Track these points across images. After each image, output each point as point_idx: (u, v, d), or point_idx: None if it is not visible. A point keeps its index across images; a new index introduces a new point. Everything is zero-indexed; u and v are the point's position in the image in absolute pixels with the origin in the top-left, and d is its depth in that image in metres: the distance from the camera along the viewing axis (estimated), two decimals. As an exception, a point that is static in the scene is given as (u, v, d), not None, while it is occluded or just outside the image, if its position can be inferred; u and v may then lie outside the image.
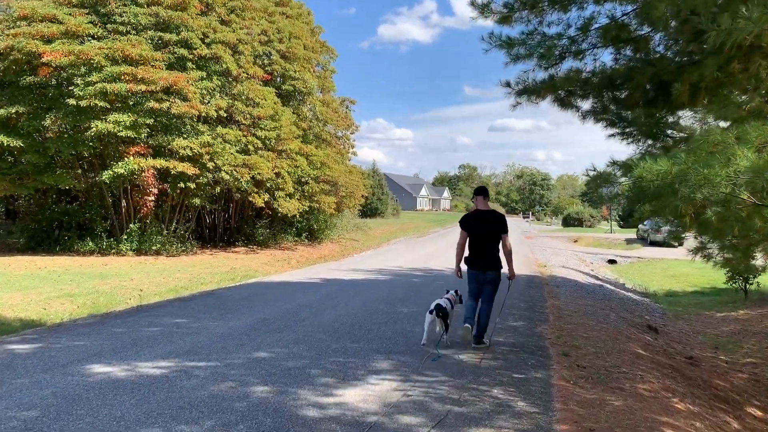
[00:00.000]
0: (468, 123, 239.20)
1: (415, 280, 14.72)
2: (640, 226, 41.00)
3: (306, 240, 28.26)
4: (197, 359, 6.54)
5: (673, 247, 35.38)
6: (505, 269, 7.72)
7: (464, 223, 7.75)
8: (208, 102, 20.05)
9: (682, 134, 10.51)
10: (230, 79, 21.23)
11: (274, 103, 22.37)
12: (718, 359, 10.83)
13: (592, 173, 7.50)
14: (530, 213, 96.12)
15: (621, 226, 70.39)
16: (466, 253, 7.69)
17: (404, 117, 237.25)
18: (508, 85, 8.55)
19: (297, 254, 23.80)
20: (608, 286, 18.95)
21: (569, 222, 72.76)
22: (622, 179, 6.91)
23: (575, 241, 40.57)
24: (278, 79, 25.28)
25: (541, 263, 21.79)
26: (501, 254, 7.66)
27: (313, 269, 17.51)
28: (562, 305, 11.82)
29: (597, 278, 21.27)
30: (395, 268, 17.35)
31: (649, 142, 10.72)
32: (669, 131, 10.43)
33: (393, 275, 15.61)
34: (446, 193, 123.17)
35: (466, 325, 7.35)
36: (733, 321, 15.28)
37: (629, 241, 38.97)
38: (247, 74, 21.55)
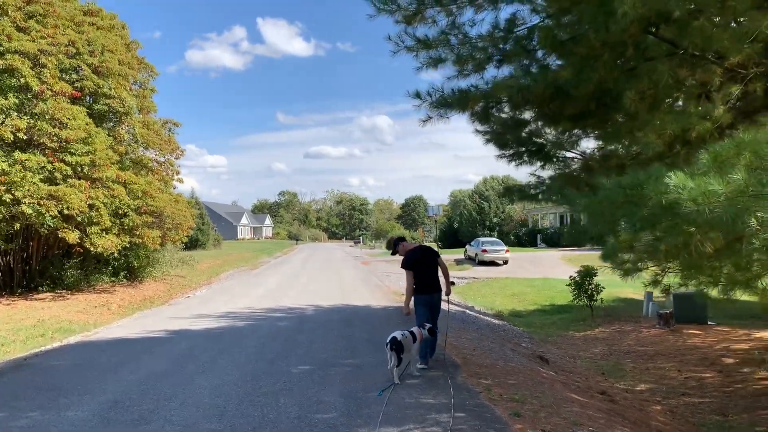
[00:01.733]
0: (283, 149, 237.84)
1: (281, 324, 12.82)
2: (467, 246, 42.35)
3: (125, 279, 24.74)
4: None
5: (498, 265, 36.86)
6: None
7: (408, 264, 8.58)
8: (2, 122, 16.47)
9: (573, 155, 10.03)
10: (30, 96, 17.73)
11: (86, 123, 19.12)
12: (617, 388, 10.41)
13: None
14: (360, 238, 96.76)
15: (440, 248, 73.11)
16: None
17: (217, 143, 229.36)
18: (418, 96, 7.28)
19: (117, 297, 20.55)
20: (469, 312, 18.50)
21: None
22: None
23: (409, 265, 40.63)
24: (88, 98, 21.88)
25: (396, 291, 20.90)
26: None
27: (145, 317, 14.79)
28: (455, 342, 10.75)
29: (451, 303, 20.82)
30: (248, 311, 15.23)
31: (539, 164, 10.12)
32: (560, 153, 9.90)
33: (251, 320, 13.53)
34: (268, 221, 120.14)
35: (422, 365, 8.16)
36: (596, 341, 15.39)
37: (458, 262, 39.94)
38: (52, 90, 18.15)
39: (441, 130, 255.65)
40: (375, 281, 25.80)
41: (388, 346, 7.28)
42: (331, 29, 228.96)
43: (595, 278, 19.40)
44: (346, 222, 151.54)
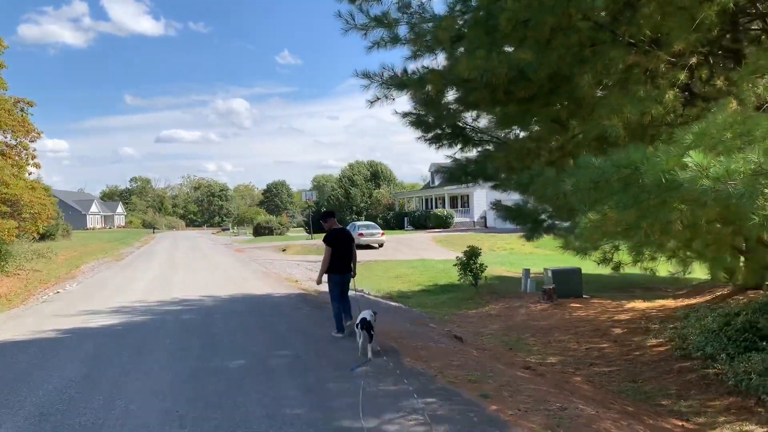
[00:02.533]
0: (132, 133, 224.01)
1: (186, 317, 12.02)
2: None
3: (-28, 277, 22.11)
4: None
5: (375, 248, 37.41)
6: None
7: (330, 241, 9.62)
8: None
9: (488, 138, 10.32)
10: None
11: (-73, 101, 16.78)
12: (532, 362, 10.92)
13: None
14: (229, 225, 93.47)
15: (308, 232, 72.75)
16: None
17: (57, 126, 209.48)
18: (367, 76, 7.06)
19: (-33, 297, 18.31)
20: (365, 295, 18.54)
21: (260, 231, 72.42)
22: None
23: (284, 250, 40.08)
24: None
25: (288, 278, 20.47)
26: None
27: (21, 317, 13.28)
28: (379, 328, 10.70)
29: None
30: (141, 305, 14.12)
31: (459, 146, 10.31)
32: (484, 136, 10.15)
33: (151, 314, 12.57)
34: (120, 209, 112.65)
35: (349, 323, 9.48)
36: (490, 317, 16.05)
37: (335, 247, 39.95)
38: None
39: (299, 115, 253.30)
40: (261, 269, 25.09)
41: (359, 326, 7.99)
42: (182, 8, 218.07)
43: (479, 258, 20.32)
44: (205, 209, 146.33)
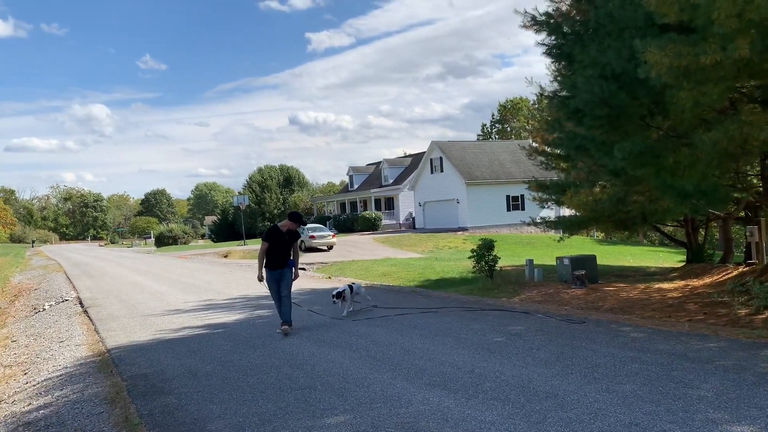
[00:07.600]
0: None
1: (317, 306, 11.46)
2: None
3: None
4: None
5: (324, 251, 37.01)
6: None
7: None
8: None
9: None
10: None
11: None
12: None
13: None
14: (115, 237, 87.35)
15: (214, 241, 70.32)
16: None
17: None
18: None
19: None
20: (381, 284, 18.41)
21: (163, 241, 68.83)
22: None
23: (226, 256, 38.54)
24: None
25: (309, 276, 19.80)
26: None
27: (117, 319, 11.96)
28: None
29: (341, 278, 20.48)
30: (221, 301, 13.19)
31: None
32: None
33: (265, 308, 11.82)
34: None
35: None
36: (542, 303, 16.54)
37: (281, 251, 39.05)
38: None
39: (165, 121, 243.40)
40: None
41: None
42: (34, 8, 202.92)
43: (493, 250, 20.84)
44: (78, 220, 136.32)
